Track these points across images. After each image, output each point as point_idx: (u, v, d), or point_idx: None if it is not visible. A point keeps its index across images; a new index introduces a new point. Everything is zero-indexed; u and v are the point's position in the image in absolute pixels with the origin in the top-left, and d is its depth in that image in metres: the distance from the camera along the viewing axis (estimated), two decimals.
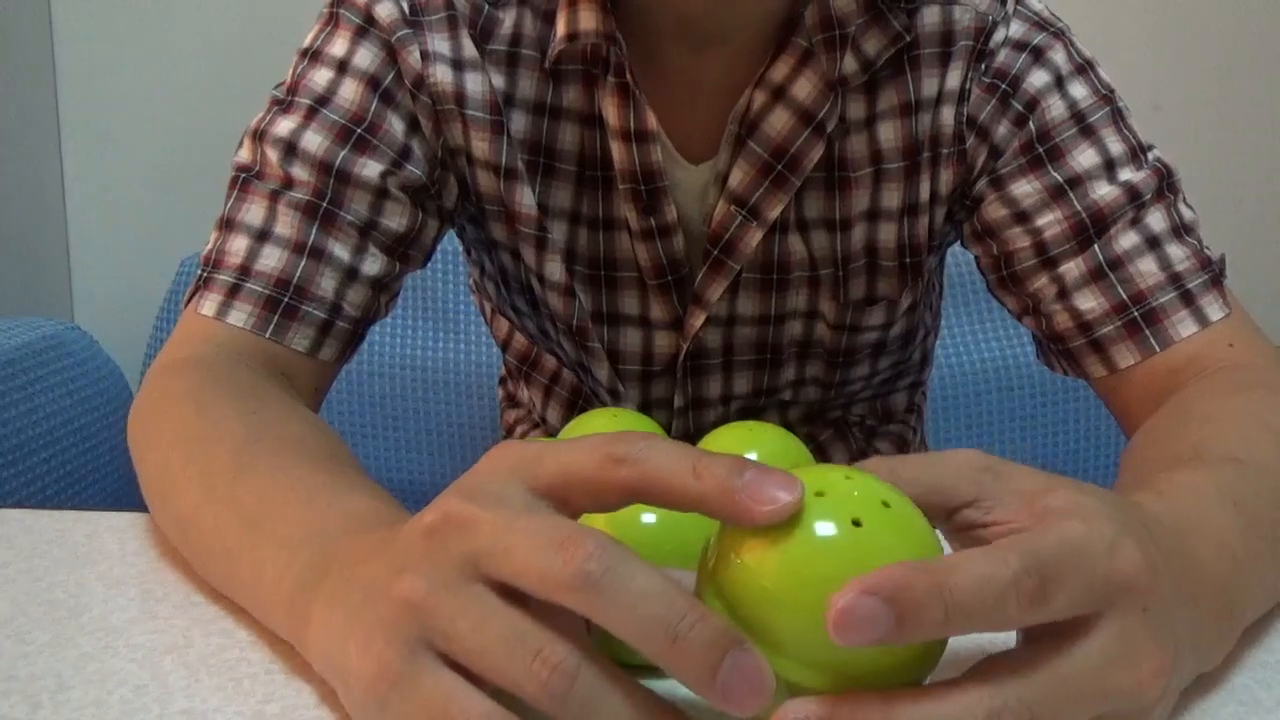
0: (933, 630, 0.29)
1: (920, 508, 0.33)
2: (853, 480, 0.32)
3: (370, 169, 0.64)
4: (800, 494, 0.30)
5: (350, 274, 0.64)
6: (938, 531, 0.34)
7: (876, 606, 0.28)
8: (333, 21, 0.67)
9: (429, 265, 0.85)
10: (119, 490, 1.13)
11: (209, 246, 0.64)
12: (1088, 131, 0.65)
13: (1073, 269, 0.64)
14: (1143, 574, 0.32)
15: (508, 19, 0.66)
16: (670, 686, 0.30)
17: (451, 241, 0.82)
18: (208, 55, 1.48)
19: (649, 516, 0.40)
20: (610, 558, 0.29)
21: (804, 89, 0.64)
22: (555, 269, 0.70)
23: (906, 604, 0.28)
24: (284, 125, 0.64)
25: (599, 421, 0.56)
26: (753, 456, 0.52)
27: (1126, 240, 0.64)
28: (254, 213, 0.63)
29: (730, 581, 0.31)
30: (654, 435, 0.32)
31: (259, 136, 0.65)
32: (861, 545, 0.30)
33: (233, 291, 0.62)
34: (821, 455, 0.79)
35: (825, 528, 0.30)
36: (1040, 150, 0.65)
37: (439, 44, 0.66)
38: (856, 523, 0.30)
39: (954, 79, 0.66)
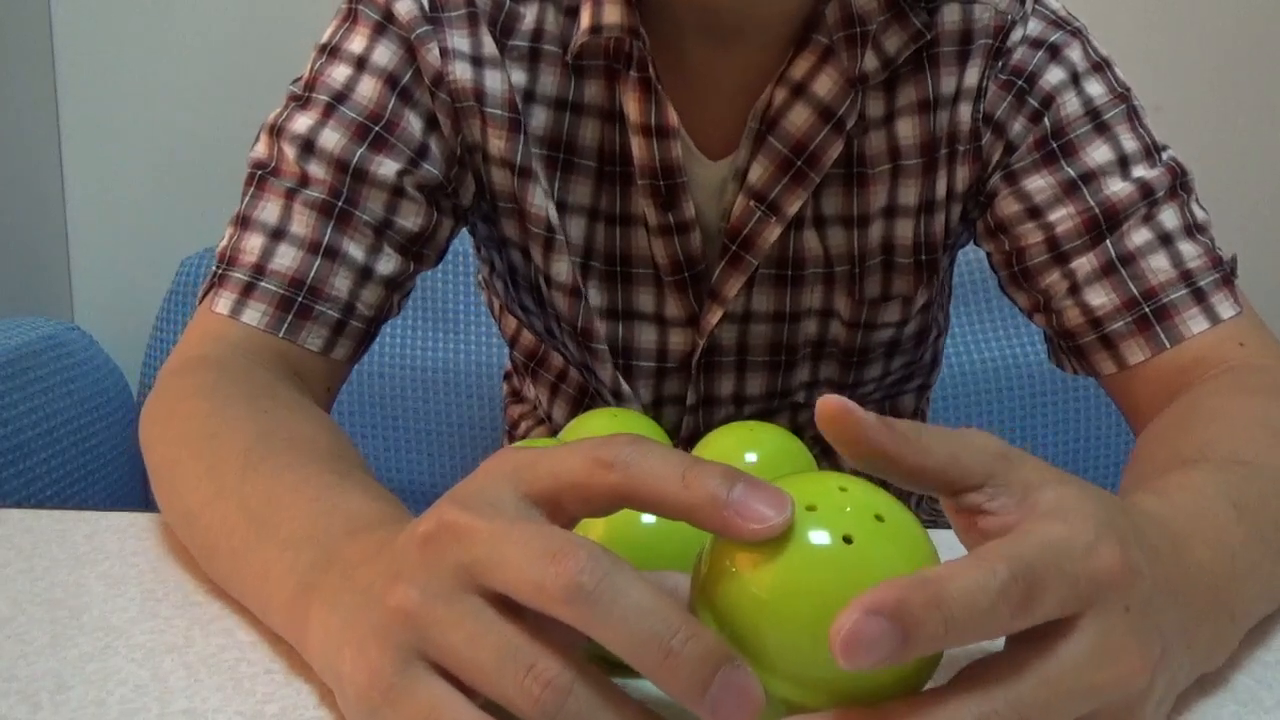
0: (933, 644, 0.28)
1: (933, 480, 0.33)
2: (847, 492, 0.31)
3: (387, 168, 0.64)
4: (790, 513, 0.30)
5: (365, 274, 0.64)
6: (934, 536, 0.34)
7: (883, 625, 0.27)
8: (351, 17, 0.67)
9: None
10: (119, 490, 1.13)
11: (224, 242, 0.64)
12: (1102, 128, 0.65)
13: (1084, 264, 0.64)
14: (1120, 573, 0.32)
15: (529, 14, 0.66)
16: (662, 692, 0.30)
17: (453, 241, 0.82)
18: (208, 55, 1.48)
19: (649, 518, 0.40)
20: (603, 570, 0.29)
21: (824, 86, 0.65)
22: (563, 269, 0.70)
23: (909, 621, 0.28)
24: (301, 121, 0.64)
25: (598, 422, 0.56)
26: (753, 457, 0.52)
27: (1139, 236, 0.64)
28: (270, 210, 0.63)
29: (721, 595, 0.31)
30: (647, 439, 0.32)
31: (276, 132, 0.65)
32: (853, 562, 0.29)
33: (247, 290, 0.62)
34: (829, 458, 0.79)
35: (816, 544, 0.30)
36: (1054, 146, 0.65)
37: (458, 41, 0.66)
38: (848, 539, 0.30)
39: (972, 76, 0.67)
